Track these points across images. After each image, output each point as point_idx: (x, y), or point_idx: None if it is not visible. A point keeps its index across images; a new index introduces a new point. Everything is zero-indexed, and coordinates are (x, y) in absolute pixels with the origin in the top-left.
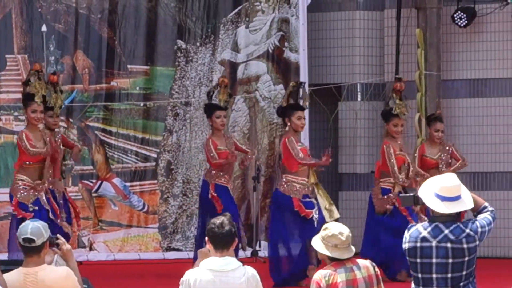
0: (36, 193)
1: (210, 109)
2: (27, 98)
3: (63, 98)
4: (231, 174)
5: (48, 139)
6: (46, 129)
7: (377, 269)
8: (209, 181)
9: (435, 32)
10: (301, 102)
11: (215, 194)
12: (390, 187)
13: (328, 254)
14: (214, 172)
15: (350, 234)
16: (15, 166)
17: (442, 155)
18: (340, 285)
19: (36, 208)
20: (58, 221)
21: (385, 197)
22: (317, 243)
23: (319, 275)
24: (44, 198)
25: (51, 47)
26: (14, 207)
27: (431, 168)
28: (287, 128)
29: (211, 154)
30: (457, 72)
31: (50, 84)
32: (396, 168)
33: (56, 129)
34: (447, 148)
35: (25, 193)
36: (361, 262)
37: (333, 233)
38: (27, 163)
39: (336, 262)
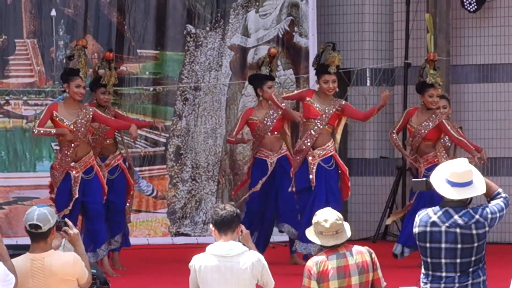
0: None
1: (260, 79)
2: (72, 73)
3: (116, 76)
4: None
5: (80, 118)
6: (98, 106)
7: (374, 256)
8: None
9: (445, 17)
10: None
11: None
12: None
13: (315, 241)
14: (256, 144)
15: (340, 222)
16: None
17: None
18: (330, 272)
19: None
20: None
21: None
22: (308, 230)
23: (311, 262)
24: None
25: (60, 32)
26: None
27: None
28: (317, 89)
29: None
30: (467, 57)
31: (105, 61)
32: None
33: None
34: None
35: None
36: (356, 248)
37: (317, 220)
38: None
39: (329, 249)
